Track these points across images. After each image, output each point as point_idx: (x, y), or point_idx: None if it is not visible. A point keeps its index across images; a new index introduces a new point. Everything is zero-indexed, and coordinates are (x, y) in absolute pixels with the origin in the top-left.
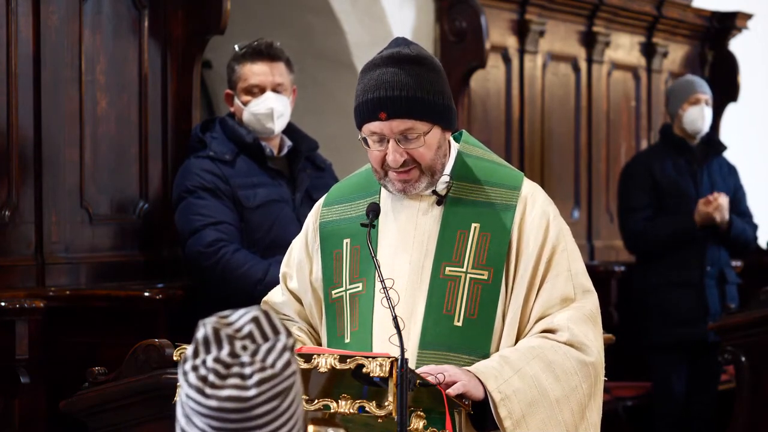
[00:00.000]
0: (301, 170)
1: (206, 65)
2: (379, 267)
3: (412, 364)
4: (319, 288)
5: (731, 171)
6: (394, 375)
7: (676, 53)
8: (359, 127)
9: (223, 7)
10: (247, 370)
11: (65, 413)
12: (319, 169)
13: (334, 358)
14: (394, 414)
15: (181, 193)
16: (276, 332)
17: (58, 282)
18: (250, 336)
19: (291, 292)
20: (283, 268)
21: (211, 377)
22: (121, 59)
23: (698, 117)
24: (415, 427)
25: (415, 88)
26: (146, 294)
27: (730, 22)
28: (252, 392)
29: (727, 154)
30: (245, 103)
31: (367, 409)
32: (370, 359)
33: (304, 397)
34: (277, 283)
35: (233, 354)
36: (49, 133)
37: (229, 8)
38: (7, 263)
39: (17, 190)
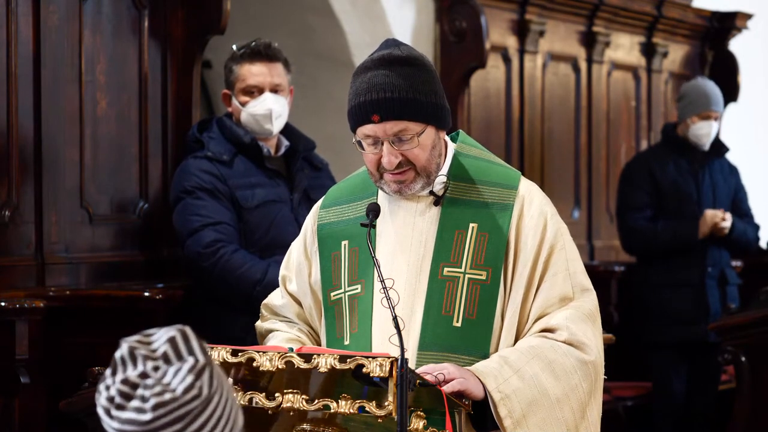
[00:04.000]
0: (299, 170)
1: (206, 65)
2: (379, 266)
3: (411, 366)
4: (318, 290)
5: (732, 171)
6: (394, 375)
7: (676, 53)
8: (353, 130)
9: (223, 7)
10: (147, 393)
11: (65, 413)
12: (317, 169)
13: (334, 358)
14: (394, 414)
15: (179, 193)
16: (191, 353)
17: (58, 282)
18: (164, 357)
19: (290, 295)
20: (282, 271)
21: (118, 399)
22: (121, 59)
23: (705, 133)
24: (415, 427)
25: (407, 89)
26: (146, 294)
27: (730, 22)
28: (148, 416)
29: (727, 155)
30: (243, 104)
31: (367, 409)
32: (370, 359)
33: (303, 397)
34: (276, 283)
35: (143, 375)
36: (49, 133)
37: (229, 8)
38: (7, 263)
39: (17, 190)
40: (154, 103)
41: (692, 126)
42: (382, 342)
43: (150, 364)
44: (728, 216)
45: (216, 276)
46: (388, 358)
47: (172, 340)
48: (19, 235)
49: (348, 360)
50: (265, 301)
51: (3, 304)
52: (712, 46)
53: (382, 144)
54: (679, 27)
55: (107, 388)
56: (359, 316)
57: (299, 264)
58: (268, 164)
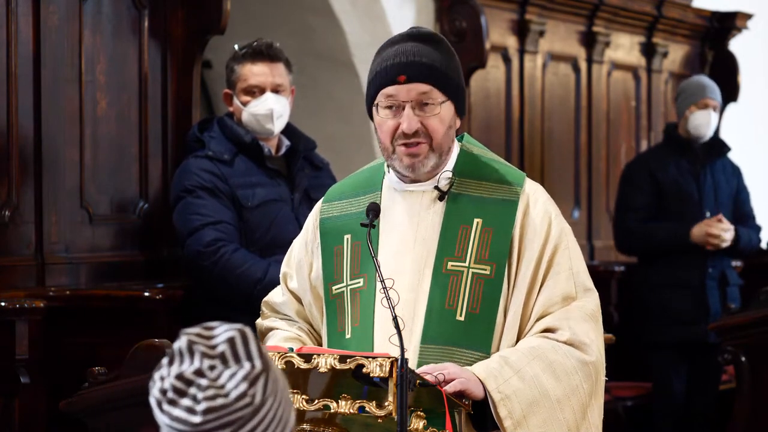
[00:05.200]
0: (299, 170)
1: (206, 65)
2: (379, 267)
3: (414, 359)
4: (319, 286)
5: (735, 172)
6: (394, 375)
7: (676, 53)
8: (374, 95)
9: (223, 7)
10: (200, 395)
11: (65, 413)
12: (317, 169)
13: (334, 358)
14: (394, 414)
15: (179, 192)
16: (248, 358)
17: (58, 282)
18: (221, 356)
19: (291, 292)
20: (283, 268)
21: (170, 393)
22: (121, 59)
23: (704, 122)
24: (415, 427)
25: (434, 58)
26: (146, 294)
27: (730, 22)
28: (197, 419)
29: (729, 154)
30: (245, 104)
31: (367, 409)
32: (370, 359)
33: (303, 397)
34: (277, 282)
35: (199, 372)
36: (49, 133)
37: (229, 8)
38: (7, 263)
39: (17, 190)
40: (154, 103)
41: (691, 117)
42: (384, 337)
43: (206, 362)
44: (729, 232)
45: (216, 275)
46: (388, 358)
47: (231, 341)
48: (19, 235)
49: (348, 360)
50: (265, 299)
51: (3, 304)
52: (712, 46)
53: (403, 110)
54: (679, 27)
55: (162, 378)
56: (361, 310)
57: (300, 260)
58: (268, 164)
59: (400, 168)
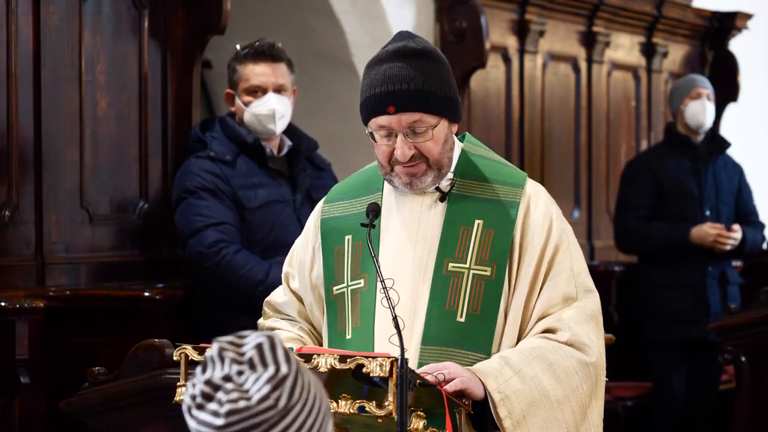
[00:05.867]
0: (301, 170)
1: (206, 65)
2: (379, 268)
3: (414, 360)
4: (320, 285)
5: (736, 170)
6: (394, 375)
7: (676, 53)
8: (366, 121)
9: (223, 7)
10: (224, 398)
11: (65, 413)
12: (319, 169)
13: (334, 358)
14: (394, 414)
15: (181, 193)
16: (274, 362)
17: (58, 282)
18: (249, 362)
19: (293, 292)
20: (285, 268)
21: (199, 398)
22: (121, 59)
23: (699, 111)
24: (415, 427)
25: (423, 80)
26: (146, 294)
27: (730, 22)
28: (220, 421)
29: (729, 152)
30: (247, 104)
31: (367, 409)
32: (370, 359)
33: None
34: (278, 283)
35: (227, 377)
36: (49, 133)
37: (229, 8)
38: (7, 263)
39: (17, 190)
40: (154, 103)
41: (686, 109)
42: (385, 338)
43: (235, 368)
44: (737, 233)
45: (218, 276)
46: (388, 358)
47: (259, 346)
48: (19, 235)
49: (348, 360)
50: (267, 299)
51: (3, 304)
52: (712, 46)
53: (396, 136)
54: (679, 27)
55: (193, 385)
56: (362, 310)
57: (302, 260)
58: (270, 164)
59: (399, 185)
